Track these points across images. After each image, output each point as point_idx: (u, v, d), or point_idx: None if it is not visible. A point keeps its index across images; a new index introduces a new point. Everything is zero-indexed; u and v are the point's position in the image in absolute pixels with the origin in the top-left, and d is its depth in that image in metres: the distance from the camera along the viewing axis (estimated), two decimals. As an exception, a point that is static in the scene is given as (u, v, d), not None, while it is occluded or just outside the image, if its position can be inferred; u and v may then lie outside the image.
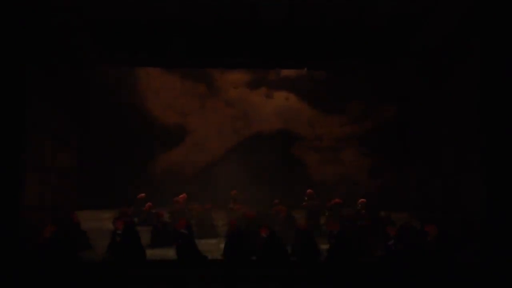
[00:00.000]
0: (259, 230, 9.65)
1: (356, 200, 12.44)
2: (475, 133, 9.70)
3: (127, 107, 14.67)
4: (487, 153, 9.21)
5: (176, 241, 9.46)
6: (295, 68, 14.21)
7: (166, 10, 9.97)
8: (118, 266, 8.92)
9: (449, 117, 11.17)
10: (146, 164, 14.84)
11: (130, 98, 14.81)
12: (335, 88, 14.93)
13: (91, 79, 13.76)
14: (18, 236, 9.06)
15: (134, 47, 11.30)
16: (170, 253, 9.88)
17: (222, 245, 10.02)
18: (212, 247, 10.64)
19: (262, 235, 9.43)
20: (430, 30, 10.75)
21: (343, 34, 11.03)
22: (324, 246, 9.88)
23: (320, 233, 11.31)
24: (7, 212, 8.95)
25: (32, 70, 9.73)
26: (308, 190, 13.11)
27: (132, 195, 12.96)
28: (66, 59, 11.79)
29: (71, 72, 12.35)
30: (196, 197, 13.14)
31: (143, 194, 12.94)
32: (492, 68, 9.15)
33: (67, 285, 8.47)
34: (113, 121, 14.39)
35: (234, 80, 15.42)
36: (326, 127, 15.47)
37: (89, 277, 8.57)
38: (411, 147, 13.87)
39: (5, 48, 9.04)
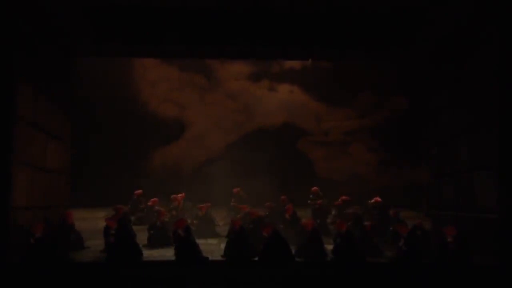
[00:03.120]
0: (261, 230, 9.63)
1: (363, 197, 12.40)
2: (490, 127, 9.63)
3: (121, 100, 14.62)
4: (503, 149, 9.14)
5: (174, 242, 9.45)
6: (300, 58, 14.09)
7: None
8: (113, 267, 8.90)
9: (463, 110, 11.09)
10: (143, 160, 14.81)
11: (125, 90, 14.74)
12: (342, 79, 14.83)
13: (84, 71, 13.69)
14: (7, 237, 9.03)
15: (128, 35, 11.21)
16: (168, 253, 9.87)
17: (223, 245, 10.01)
18: (213, 247, 10.62)
19: (264, 235, 9.40)
20: (440, 20, 10.69)
21: (349, 22, 10.96)
22: (330, 246, 9.84)
23: (326, 233, 11.31)
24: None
25: (22, 62, 9.68)
26: (314, 188, 13.08)
27: (128, 192, 12.94)
28: (58, 49, 11.75)
29: (63, 64, 12.31)
30: (196, 194, 13.10)
31: (140, 191, 12.90)
32: (509, 58, 9.08)
33: (60, 286, 8.46)
34: (107, 115, 14.36)
35: (235, 71, 15.35)
36: (333, 120, 15.41)
37: (84, 278, 8.57)
38: (423, 142, 13.80)
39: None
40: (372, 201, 12.34)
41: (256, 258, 9.41)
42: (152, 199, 12.46)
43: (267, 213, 11.92)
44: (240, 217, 11.51)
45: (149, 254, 9.85)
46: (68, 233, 10.37)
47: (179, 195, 12.71)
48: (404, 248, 9.19)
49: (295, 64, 15.08)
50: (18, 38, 9.50)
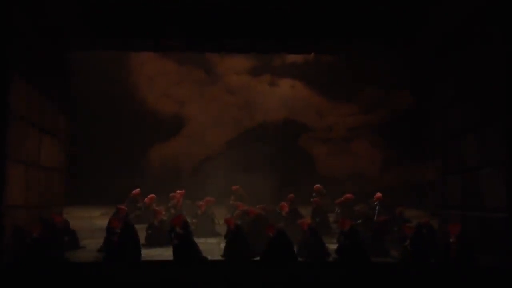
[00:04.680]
0: (265, 229, 9.56)
1: (368, 195, 12.33)
2: (498, 124, 9.56)
3: (119, 95, 14.55)
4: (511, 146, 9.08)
5: (172, 241, 9.38)
6: (302, 52, 13.98)
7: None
8: (110, 267, 8.86)
9: (470, 107, 11.01)
10: (140, 158, 14.76)
11: (122, 86, 14.66)
12: (345, 74, 14.73)
13: (80, 66, 13.62)
14: (1, 236, 8.98)
15: (127, 29, 11.14)
16: (166, 253, 9.83)
17: (223, 245, 9.97)
18: (213, 247, 10.58)
19: (269, 235, 9.32)
20: (443, 15, 10.63)
21: (352, 14, 10.89)
22: (334, 246, 9.79)
23: (328, 231, 11.25)
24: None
25: (17, 56, 9.60)
26: (316, 185, 13.01)
27: (126, 191, 12.88)
28: (54, 44, 11.68)
29: (59, 59, 12.24)
30: (195, 192, 13.05)
31: (138, 190, 12.85)
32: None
33: (56, 286, 8.42)
34: (104, 111, 14.29)
35: (235, 66, 15.28)
36: (335, 116, 15.36)
37: (80, 278, 8.53)
38: (428, 139, 13.73)
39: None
40: (374, 198, 12.28)
41: (257, 258, 9.36)
42: (149, 196, 12.42)
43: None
44: (238, 214, 11.41)
45: (147, 253, 9.80)
46: (59, 233, 10.31)
47: (178, 192, 12.63)
48: (410, 249, 9.15)
49: (297, 58, 15.00)
50: (13, 32, 9.42)
